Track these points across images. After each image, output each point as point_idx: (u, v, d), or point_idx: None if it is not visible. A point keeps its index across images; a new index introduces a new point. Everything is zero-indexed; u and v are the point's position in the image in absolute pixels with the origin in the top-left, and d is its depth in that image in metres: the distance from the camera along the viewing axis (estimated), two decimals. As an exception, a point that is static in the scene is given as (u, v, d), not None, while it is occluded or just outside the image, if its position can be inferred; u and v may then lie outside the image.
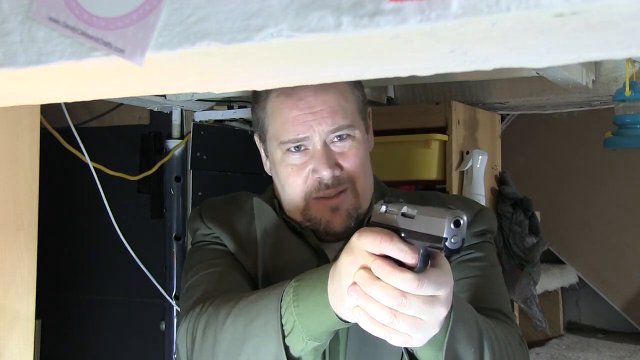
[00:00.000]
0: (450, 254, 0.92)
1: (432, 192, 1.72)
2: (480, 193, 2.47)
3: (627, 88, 2.21)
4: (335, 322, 1.06)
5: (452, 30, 0.50)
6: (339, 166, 1.35)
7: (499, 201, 2.67)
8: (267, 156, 1.44)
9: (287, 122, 1.34)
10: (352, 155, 1.36)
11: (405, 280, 0.94)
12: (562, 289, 3.58)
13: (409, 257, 0.95)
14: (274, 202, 1.44)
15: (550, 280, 3.30)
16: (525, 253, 2.60)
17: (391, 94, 2.68)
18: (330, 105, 1.34)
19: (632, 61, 2.25)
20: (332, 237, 1.37)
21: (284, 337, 1.09)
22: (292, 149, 1.35)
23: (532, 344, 3.21)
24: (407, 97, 2.72)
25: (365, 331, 1.01)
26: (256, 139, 1.47)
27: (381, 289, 0.95)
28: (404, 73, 0.63)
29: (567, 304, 3.70)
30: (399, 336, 0.98)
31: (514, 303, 2.62)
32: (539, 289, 2.81)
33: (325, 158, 1.33)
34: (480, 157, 2.49)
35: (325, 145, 1.34)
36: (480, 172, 2.48)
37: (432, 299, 0.96)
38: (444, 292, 0.98)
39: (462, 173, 2.50)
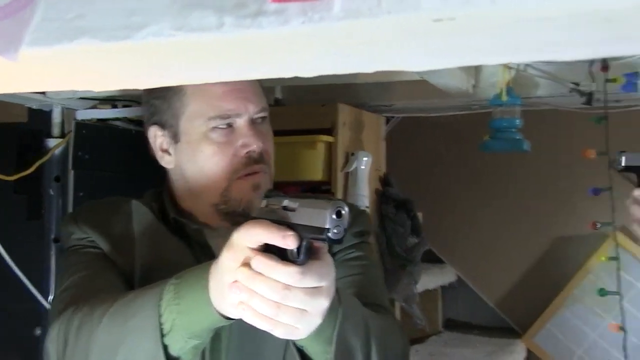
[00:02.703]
0: (332, 244, 0.93)
1: (314, 195, 1.75)
2: (364, 194, 2.51)
3: (503, 93, 2.30)
4: (216, 319, 1.05)
5: (334, 32, 0.51)
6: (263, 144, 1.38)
7: (382, 202, 2.72)
8: (165, 146, 1.41)
9: (216, 98, 1.34)
10: (270, 137, 1.41)
11: (288, 274, 0.94)
12: (442, 287, 3.68)
13: (291, 241, 0.94)
14: (153, 205, 1.42)
15: (431, 279, 3.38)
16: (407, 253, 2.66)
17: (278, 95, 2.68)
18: (253, 87, 1.38)
19: (507, 67, 2.34)
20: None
21: (162, 336, 1.07)
22: (221, 126, 1.35)
23: (411, 342, 3.28)
24: (294, 98, 2.73)
25: (247, 328, 1.01)
26: (152, 130, 1.42)
27: (264, 283, 0.95)
28: (287, 74, 0.63)
29: (446, 301, 3.81)
30: (284, 328, 0.98)
31: (395, 302, 2.67)
32: (420, 287, 2.87)
33: (256, 131, 1.36)
34: (364, 158, 2.53)
35: (253, 122, 1.37)
36: (364, 174, 2.52)
37: (314, 291, 0.97)
38: (326, 284, 0.99)
39: (347, 174, 2.53)
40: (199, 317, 1.06)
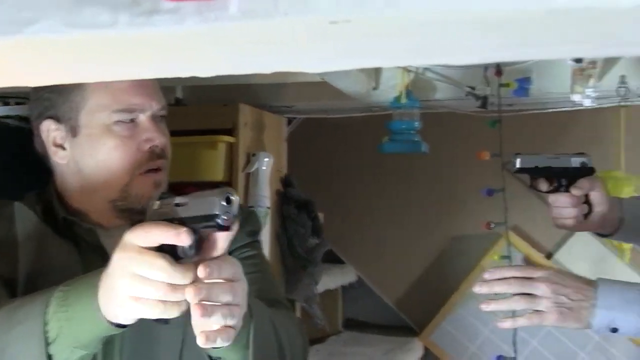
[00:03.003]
0: (223, 230, 0.94)
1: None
2: (265, 195, 2.51)
3: (403, 96, 2.34)
4: (105, 327, 1.02)
5: (231, 32, 0.50)
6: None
7: (283, 203, 2.73)
8: (60, 141, 1.36)
9: (121, 91, 1.31)
10: (168, 136, 1.39)
11: (205, 267, 0.97)
12: (343, 287, 3.72)
13: (184, 237, 0.95)
14: (36, 207, 1.36)
15: (331, 279, 3.40)
16: (307, 253, 2.67)
17: (179, 94, 2.66)
18: (155, 85, 1.37)
19: (406, 70, 2.39)
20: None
21: (48, 344, 1.03)
22: (125, 120, 1.32)
23: (312, 342, 3.29)
24: (195, 98, 2.70)
25: (140, 331, 1.00)
26: (46, 124, 1.36)
27: (191, 289, 0.97)
28: (184, 74, 0.62)
29: (347, 301, 3.85)
30: (227, 333, 1.00)
31: (296, 302, 2.68)
32: (321, 287, 2.90)
33: (159, 127, 1.35)
34: (265, 159, 2.53)
35: (154, 118, 1.35)
36: (265, 175, 2.52)
37: (234, 282, 1.01)
38: (240, 273, 1.03)
39: (248, 175, 2.52)
40: (87, 326, 1.03)
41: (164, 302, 0.97)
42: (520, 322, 1.46)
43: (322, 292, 2.98)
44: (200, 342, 1.00)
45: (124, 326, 1.03)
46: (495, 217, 2.45)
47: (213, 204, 0.92)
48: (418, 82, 2.47)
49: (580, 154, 1.69)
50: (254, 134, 2.58)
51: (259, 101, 2.68)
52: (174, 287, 0.96)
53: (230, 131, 2.48)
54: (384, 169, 3.64)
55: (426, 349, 3.60)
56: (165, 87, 2.39)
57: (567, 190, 1.64)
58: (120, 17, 0.49)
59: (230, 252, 1.38)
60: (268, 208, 2.52)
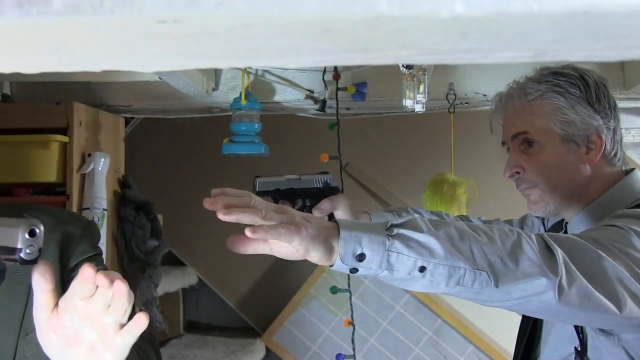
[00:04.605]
0: (26, 264, 0.87)
1: (32, 204, 1.65)
2: (102, 196, 2.44)
3: (243, 97, 2.35)
4: None
5: (55, 28, 0.49)
6: None
7: (121, 204, 2.66)
8: None
9: None
10: None
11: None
12: (183, 289, 3.68)
13: None
14: None
15: (171, 282, 3.37)
16: (146, 256, 2.62)
17: (7, 90, 2.53)
18: None
19: (247, 72, 2.39)
20: None
21: None
22: None
23: (152, 346, 3.24)
24: (25, 95, 2.59)
25: None
26: None
27: None
28: (5, 69, 0.59)
29: (188, 304, 3.81)
30: None
31: (135, 306, 2.62)
32: (160, 290, 2.85)
33: None
34: (102, 159, 2.46)
35: None
36: (101, 175, 2.45)
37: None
38: None
39: (83, 176, 2.44)
40: None
41: None
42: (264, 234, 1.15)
43: (162, 295, 2.93)
44: None
45: None
46: (334, 217, 2.50)
47: (15, 236, 0.85)
48: (258, 83, 2.49)
49: (323, 173, 1.67)
50: (89, 133, 2.50)
51: (95, 100, 2.60)
52: None
53: (65, 130, 2.40)
54: (224, 170, 3.63)
55: (268, 350, 3.63)
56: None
57: (310, 211, 1.59)
58: None
59: (74, 266, 1.33)
60: (105, 210, 2.45)
